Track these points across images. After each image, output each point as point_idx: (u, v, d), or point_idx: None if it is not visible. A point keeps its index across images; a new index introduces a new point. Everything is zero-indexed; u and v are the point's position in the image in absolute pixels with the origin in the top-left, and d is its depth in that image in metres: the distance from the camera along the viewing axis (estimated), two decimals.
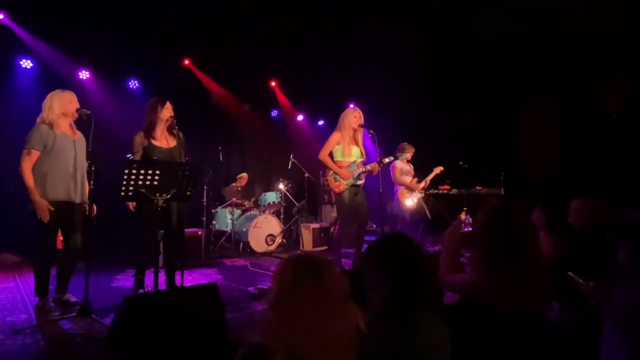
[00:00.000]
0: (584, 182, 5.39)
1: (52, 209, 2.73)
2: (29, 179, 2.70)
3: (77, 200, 2.87)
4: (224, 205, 5.95)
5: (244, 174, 6.49)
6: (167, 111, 3.15)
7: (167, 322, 1.97)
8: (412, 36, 5.75)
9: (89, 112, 2.80)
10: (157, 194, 2.55)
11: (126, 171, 2.43)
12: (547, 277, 1.55)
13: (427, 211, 5.20)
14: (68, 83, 5.09)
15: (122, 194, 2.48)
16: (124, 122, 4.58)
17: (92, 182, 2.66)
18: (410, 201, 5.10)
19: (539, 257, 1.53)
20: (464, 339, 1.66)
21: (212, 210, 5.90)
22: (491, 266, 1.50)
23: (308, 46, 5.97)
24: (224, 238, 5.79)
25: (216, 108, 6.67)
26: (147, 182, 2.50)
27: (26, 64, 5.13)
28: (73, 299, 2.94)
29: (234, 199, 5.90)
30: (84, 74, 5.50)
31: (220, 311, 2.13)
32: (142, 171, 2.46)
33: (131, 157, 2.86)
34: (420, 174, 5.35)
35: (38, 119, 2.82)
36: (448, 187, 6.14)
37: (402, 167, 5.11)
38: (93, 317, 2.51)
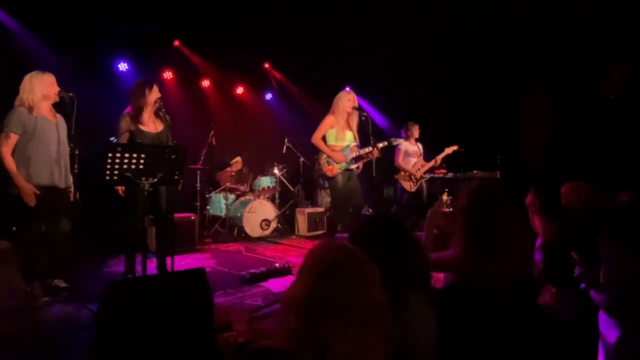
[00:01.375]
0: (580, 166, 5.36)
1: (38, 192, 2.67)
2: (10, 163, 2.63)
3: (62, 185, 2.81)
4: (218, 190, 5.89)
5: (238, 158, 6.41)
6: (154, 94, 3.06)
7: (153, 306, 1.94)
8: (408, 18, 5.62)
9: (71, 94, 2.71)
10: (143, 178, 2.49)
11: (110, 155, 2.36)
12: (529, 257, 1.56)
13: (424, 195, 5.15)
14: (46, 65, 4.93)
15: (107, 177, 2.41)
16: (115, 107, 4.47)
17: (76, 167, 2.59)
18: (409, 184, 5.06)
19: (520, 237, 1.58)
20: (451, 322, 1.65)
21: (206, 195, 5.85)
22: (473, 246, 1.54)
23: (303, 28, 5.82)
24: (218, 223, 5.75)
25: (208, 90, 6.54)
26: (133, 166, 2.44)
27: None
28: (62, 285, 2.92)
29: (228, 184, 5.84)
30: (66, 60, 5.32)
31: (207, 295, 2.10)
32: (127, 155, 2.39)
33: (114, 140, 2.78)
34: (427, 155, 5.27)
35: (16, 102, 2.72)
36: (444, 170, 6.09)
37: (408, 148, 5.04)
38: (81, 303, 2.48)
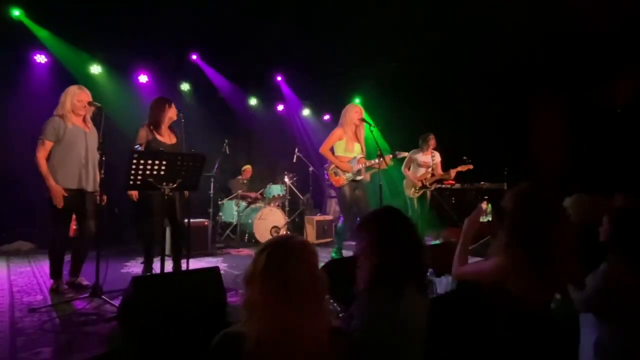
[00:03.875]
0: (587, 176, 5.41)
1: (66, 194, 2.89)
2: (44, 166, 2.86)
3: (89, 188, 3.02)
4: (230, 198, 6.10)
5: (248, 166, 6.63)
6: (172, 111, 3.30)
7: (171, 301, 2.11)
8: (417, 31, 5.79)
9: (99, 105, 2.95)
10: (164, 183, 2.68)
11: (134, 161, 2.56)
12: (573, 266, 1.48)
13: (426, 204, 5.24)
14: (79, 77, 5.31)
15: (131, 182, 2.62)
16: (133, 115, 4.75)
17: (102, 172, 2.80)
18: (412, 190, 5.17)
19: (568, 243, 1.45)
20: (453, 326, 1.73)
21: (219, 202, 6.06)
22: (518, 250, 1.45)
23: (313, 42, 6.05)
24: (229, 229, 5.94)
25: (222, 102, 6.81)
26: (155, 172, 2.63)
27: (40, 59, 5.31)
28: (85, 282, 3.12)
29: (239, 192, 6.04)
30: (95, 69, 5.67)
31: (221, 293, 2.26)
32: (150, 161, 2.60)
33: (139, 148, 3.00)
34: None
35: (54, 112, 2.97)
36: (452, 182, 6.18)
37: (418, 158, 5.14)
38: (104, 298, 2.66)
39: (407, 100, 7.17)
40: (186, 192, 3.24)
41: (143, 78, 6.04)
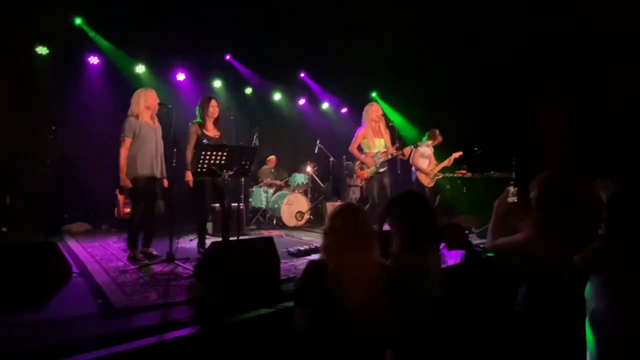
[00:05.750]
0: (590, 168, 5.85)
1: (131, 186, 3.51)
2: (123, 161, 3.48)
3: (158, 175, 3.66)
4: (259, 185, 6.73)
5: (272, 157, 7.25)
6: (212, 108, 3.88)
7: (239, 261, 2.73)
8: (429, 28, 6.22)
9: (170, 105, 3.56)
10: (224, 171, 3.30)
11: (202, 152, 3.19)
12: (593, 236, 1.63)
13: (438, 190, 5.81)
14: (126, 75, 5.97)
15: (198, 169, 3.25)
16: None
17: (174, 162, 3.43)
18: (427, 180, 5.72)
19: (587, 219, 1.68)
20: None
21: (249, 189, 6.69)
22: (551, 225, 1.71)
23: (334, 41, 6.55)
24: (259, 213, 6.58)
25: (251, 97, 7.41)
26: (217, 161, 3.25)
27: (93, 60, 5.97)
28: (155, 252, 3.78)
29: (267, 180, 6.66)
30: (139, 68, 6.30)
31: (274, 255, 2.88)
32: (214, 153, 3.21)
33: (206, 142, 3.62)
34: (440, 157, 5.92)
35: (128, 112, 3.59)
36: (465, 171, 6.71)
37: (424, 151, 5.67)
38: (176, 263, 3.31)
39: (420, 95, 7.64)
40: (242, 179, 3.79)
41: (180, 76, 6.66)
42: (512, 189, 2.12)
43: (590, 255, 1.56)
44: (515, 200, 2.02)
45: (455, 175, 6.54)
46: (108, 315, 2.25)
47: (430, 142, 5.67)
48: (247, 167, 3.46)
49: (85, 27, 5.53)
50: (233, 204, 5.58)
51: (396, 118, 8.38)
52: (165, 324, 2.13)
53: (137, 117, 3.57)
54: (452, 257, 3.66)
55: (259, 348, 2.15)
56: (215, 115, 3.93)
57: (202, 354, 2.02)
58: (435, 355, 1.89)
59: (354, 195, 7.09)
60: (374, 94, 8.50)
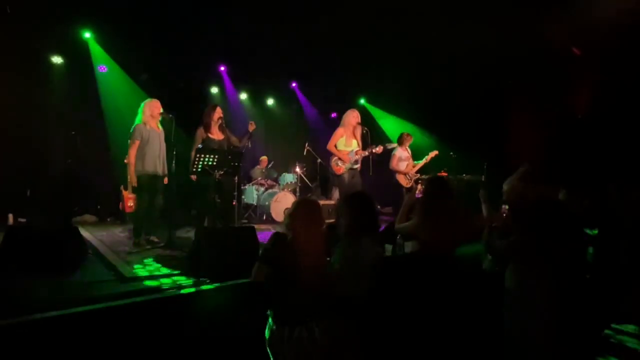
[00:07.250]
0: (551, 171, 6.48)
1: (136, 184, 4.15)
2: (132, 160, 4.12)
3: (160, 173, 4.31)
4: (251, 183, 7.38)
5: (264, 157, 7.91)
6: (217, 114, 4.51)
7: (226, 244, 3.37)
8: (411, 41, 6.81)
9: (170, 115, 4.21)
10: (215, 171, 3.95)
11: (197, 155, 3.84)
12: (461, 228, 2.43)
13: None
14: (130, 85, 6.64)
15: (194, 169, 3.90)
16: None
17: (173, 163, 4.08)
18: (406, 181, 6.33)
19: (455, 214, 2.47)
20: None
21: (242, 187, 7.34)
22: (425, 216, 2.51)
23: (322, 50, 7.17)
24: (251, 209, 7.23)
25: (245, 102, 8.08)
26: (209, 162, 3.90)
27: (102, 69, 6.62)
28: (156, 240, 4.42)
29: (259, 179, 7.31)
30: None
31: (256, 242, 3.52)
32: (206, 155, 3.86)
33: (200, 147, 4.25)
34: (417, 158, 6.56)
35: (137, 120, 4.24)
36: (445, 173, 7.34)
37: (401, 154, 6.28)
38: (175, 248, 3.96)
39: (403, 102, 8.30)
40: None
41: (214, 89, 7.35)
42: (420, 187, 2.87)
43: (506, 245, 2.16)
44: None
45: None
46: (122, 280, 2.90)
47: (403, 146, 6.29)
48: (236, 166, 4.09)
49: (91, 41, 6.18)
50: None
51: (383, 122, 9.07)
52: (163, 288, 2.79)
53: (144, 124, 4.22)
54: (409, 247, 4.27)
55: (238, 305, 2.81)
56: (220, 121, 4.51)
57: (195, 309, 2.67)
58: (371, 319, 2.53)
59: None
60: (362, 101, 9.15)
